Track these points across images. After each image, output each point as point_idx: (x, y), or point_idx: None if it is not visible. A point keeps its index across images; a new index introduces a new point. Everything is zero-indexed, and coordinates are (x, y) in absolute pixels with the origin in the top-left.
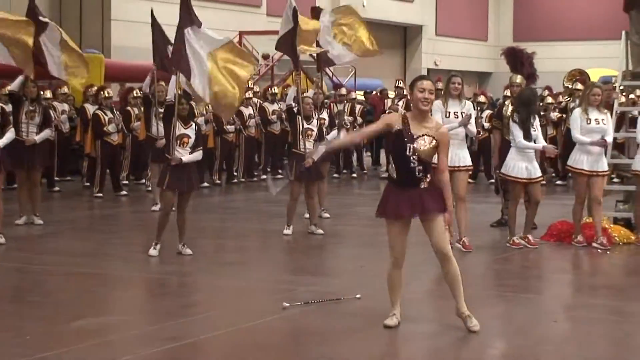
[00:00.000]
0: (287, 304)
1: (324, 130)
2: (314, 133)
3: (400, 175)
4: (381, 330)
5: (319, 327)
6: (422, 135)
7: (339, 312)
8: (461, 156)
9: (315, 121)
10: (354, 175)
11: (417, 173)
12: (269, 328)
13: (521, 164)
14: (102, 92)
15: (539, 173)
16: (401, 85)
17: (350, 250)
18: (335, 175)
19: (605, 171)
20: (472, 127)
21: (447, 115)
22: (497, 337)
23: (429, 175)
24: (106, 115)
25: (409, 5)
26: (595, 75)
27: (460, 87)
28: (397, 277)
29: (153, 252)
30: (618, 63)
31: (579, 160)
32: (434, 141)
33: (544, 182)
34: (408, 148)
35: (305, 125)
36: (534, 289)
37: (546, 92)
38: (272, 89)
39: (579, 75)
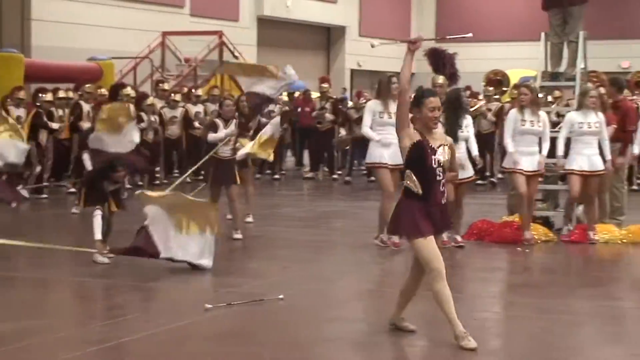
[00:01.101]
0: (210, 306)
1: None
2: (233, 138)
3: (427, 190)
4: (303, 330)
5: (241, 328)
6: (440, 146)
7: (262, 312)
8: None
9: (233, 126)
10: (277, 176)
11: (442, 186)
12: (191, 330)
13: None
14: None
15: (468, 174)
16: (325, 85)
17: (273, 251)
18: (257, 175)
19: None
20: None
21: (390, 117)
22: (418, 335)
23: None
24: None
25: (332, 6)
26: (516, 76)
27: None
28: (448, 289)
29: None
30: (538, 64)
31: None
32: (449, 150)
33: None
34: (433, 160)
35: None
36: (457, 287)
37: (467, 92)
38: (196, 90)
39: (496, 76)
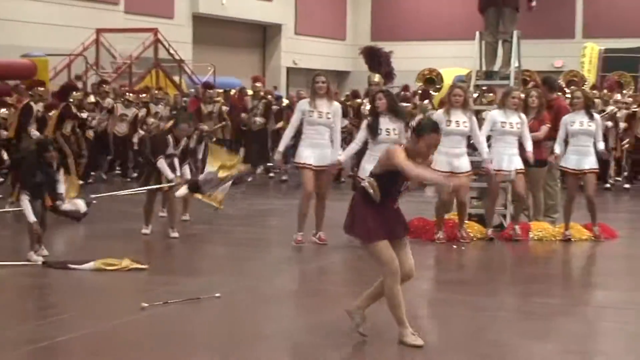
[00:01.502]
0: (146, 304)
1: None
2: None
3: (384, 199)
4: (239, 328)
5: (178, 326)
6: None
7: (199, 311)
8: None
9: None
10: None
11: (398, 198)
12: (127, 328)
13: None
14: None
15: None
16: (259, 85)
17: (209, 249)
18: None
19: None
20: None
21: (320, 116)
22: (353, 333)
23: None
24: None
25: (268, 4)
26: (450, 75)
27: (326, 85)
28: (401, 292)
29: None
30: (472, 63)
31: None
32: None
33: None
34: (404, 184)
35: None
36: None
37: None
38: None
39: (429, 74)
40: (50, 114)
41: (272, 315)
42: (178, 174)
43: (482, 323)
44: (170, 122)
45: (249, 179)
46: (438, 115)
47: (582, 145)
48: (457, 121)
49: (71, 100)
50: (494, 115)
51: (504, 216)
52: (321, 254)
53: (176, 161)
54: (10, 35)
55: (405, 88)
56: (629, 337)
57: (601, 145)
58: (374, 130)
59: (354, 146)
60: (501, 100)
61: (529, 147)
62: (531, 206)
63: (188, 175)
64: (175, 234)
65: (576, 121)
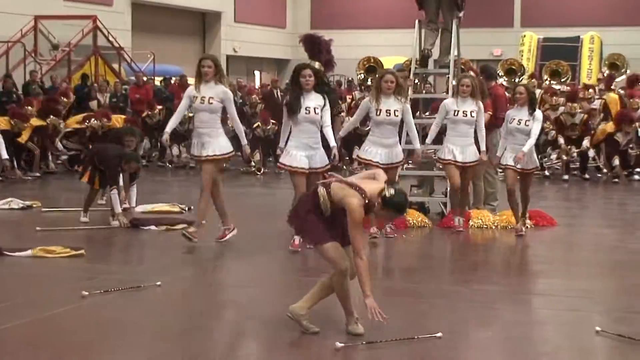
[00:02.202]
0: (86, 293)
1: None
2: None
3: (333, 213)
4: (179, 317)
5: (119, 315)
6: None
7: (139, 299)
8: None
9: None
10: (161, 164)
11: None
12: (68, 317)
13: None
14: None
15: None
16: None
17: (150, 238)
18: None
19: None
20: None
21: (202, 102)
22: (290, 322)
23: None
24: None
25: None
26: (390, 63)
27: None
28: (350, 286)
29: None
30: (411, 51)
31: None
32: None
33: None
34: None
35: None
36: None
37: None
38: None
39: (369, 63)
40: None
41: (213, 304)
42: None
43: (424, 310)
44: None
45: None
46: (365, 103)
47: (518, 144)
48: (387, 110)
49: None
50: (447, 104)
51: (444, 204)
52: (267, 242)
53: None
54: None
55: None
56: (569, 324)
57: (526, 147)
58: (294, 108)
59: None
60: (454, 88)
61: (483, 144)
62: (471, 194)
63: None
64: (116, 222)
65: (515, 118)
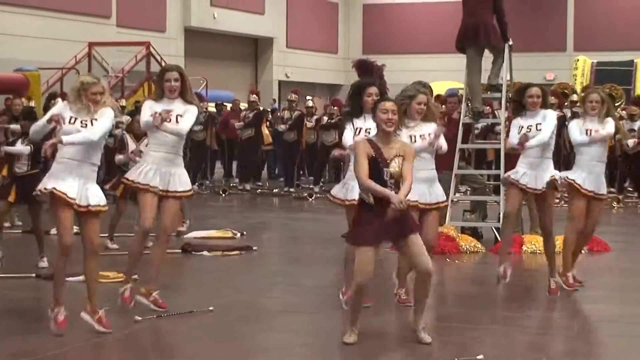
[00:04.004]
0: (139, 318)
1: None
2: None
3: (378, 200)
4: (232, 342)
5: (170, 340)
6: (394, 157)
7: (192, 325)
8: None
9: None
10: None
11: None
12: (121, 342)
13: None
14: None
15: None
16: (253, 98)
17: (201, 263)
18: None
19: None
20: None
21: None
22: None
23: None
24: None
25: (260, 17)
26: (442, 88)
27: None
28: (362, 299)
29: None
30: (463, 76)
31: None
32: (403, 159)
33: None
34: (385, 173)
35: (135, 146)
36: (389, 296)
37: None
38: (121, 101)
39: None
40: None
41: (266, 329)
42: None
43: (475, 335)
44: None
45: None
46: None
47: (532, 156)
48: (421, 135)
49: None
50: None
51: (497, 229)
52: (318, 268)
53: None
54: (3, 48)
55: None
56: (624, 350)
57: (534, 140)
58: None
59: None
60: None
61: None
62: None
63: None
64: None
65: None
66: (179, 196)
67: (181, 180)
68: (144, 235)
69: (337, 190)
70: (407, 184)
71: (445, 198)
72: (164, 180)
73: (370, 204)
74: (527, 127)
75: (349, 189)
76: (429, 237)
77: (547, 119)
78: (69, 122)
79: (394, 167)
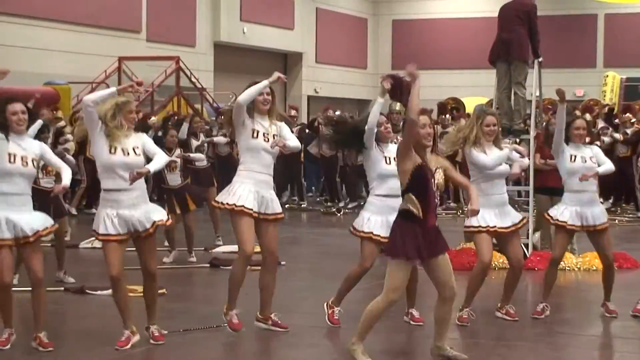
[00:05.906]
0: (165, 332)
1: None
2: (178, 165)
3: (426, 213)
4: (262, 357)
5: (199, 354)
6: (437, 169)
7: (221, 339)
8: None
9: (178, 151)
10: None
11: (436, 209)
12: (149, 355)
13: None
14: None
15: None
16: (293, 113)
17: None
18: None
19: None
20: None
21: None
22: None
23: None
24: None
25: (289, 33)
26: (472, 103)
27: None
28: (380, 316)
29: None
30: (492, 91)
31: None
32: (444, 171)
33: None
34: (432, 183)
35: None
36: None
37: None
38: (152, 117)
39: (453, 104)
40: None
41: (295, 343)
42: None
43: (502, 352)
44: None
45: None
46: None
47: None
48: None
49: None
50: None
51: (526, 246)
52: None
53: None
54: (33, 62)
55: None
56: None
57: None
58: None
59: None
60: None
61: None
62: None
63: None
64: (194, 259)
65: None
66: (280, 218)
67: (278, 203)
68: (246, 260)
69: (355, 222)
70: (471, 188)
71: (521, 217)
72: (262, 203)
73: (413, 215)
74: (581, 158)
75: (365, 221)
76: (518, 258)
77: (595, 151)
78: (109, 152)
79: (439, 178)
